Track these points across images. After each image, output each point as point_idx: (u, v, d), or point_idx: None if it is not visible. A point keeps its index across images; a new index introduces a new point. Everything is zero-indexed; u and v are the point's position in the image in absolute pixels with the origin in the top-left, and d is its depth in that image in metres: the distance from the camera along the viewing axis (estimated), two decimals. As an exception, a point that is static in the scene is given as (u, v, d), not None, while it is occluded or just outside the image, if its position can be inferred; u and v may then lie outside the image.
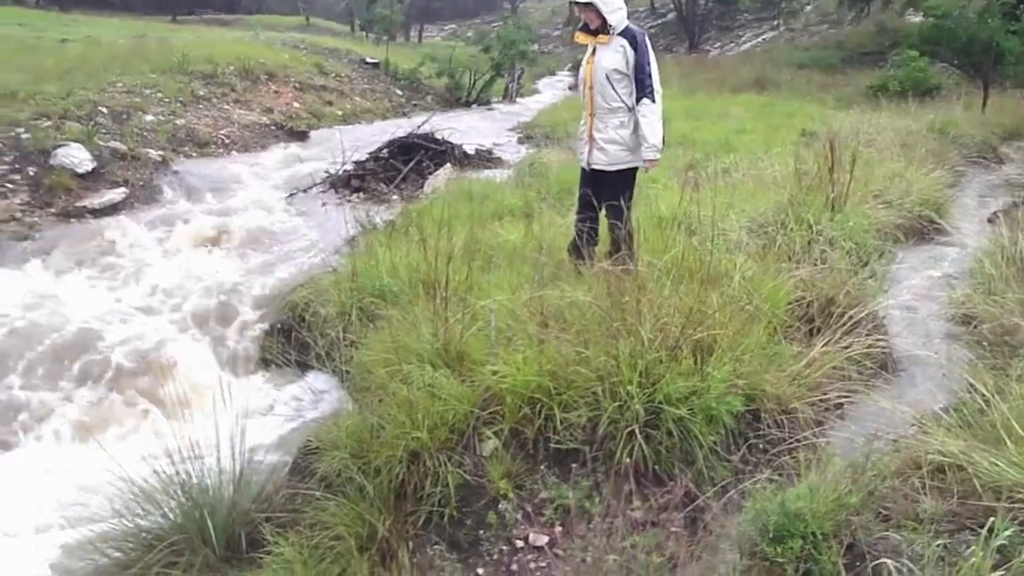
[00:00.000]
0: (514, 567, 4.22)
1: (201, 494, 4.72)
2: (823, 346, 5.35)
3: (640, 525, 4.17)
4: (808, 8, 45.74)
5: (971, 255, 7.70)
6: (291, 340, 7.05)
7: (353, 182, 12.68)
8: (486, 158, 14.30)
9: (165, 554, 4.53)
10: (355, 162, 13.21)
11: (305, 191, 12.47)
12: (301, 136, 17.31)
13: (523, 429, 4.59)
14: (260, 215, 11.10)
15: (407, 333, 5.27)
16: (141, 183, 12.22)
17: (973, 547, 3.27)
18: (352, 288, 6.80)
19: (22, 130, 12.51)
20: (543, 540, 4.26)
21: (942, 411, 4.63)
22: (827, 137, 8.96)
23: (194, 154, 14.36)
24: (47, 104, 13.83)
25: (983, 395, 4.33)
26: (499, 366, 4.72)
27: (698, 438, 4.42)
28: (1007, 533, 3.26)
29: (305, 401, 6.06)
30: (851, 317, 5.61)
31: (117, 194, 11.57)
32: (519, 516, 4.36)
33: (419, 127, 14.85)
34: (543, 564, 4.17)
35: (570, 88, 32.95)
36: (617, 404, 4.44)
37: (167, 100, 16.27)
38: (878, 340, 5.67)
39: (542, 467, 4.51)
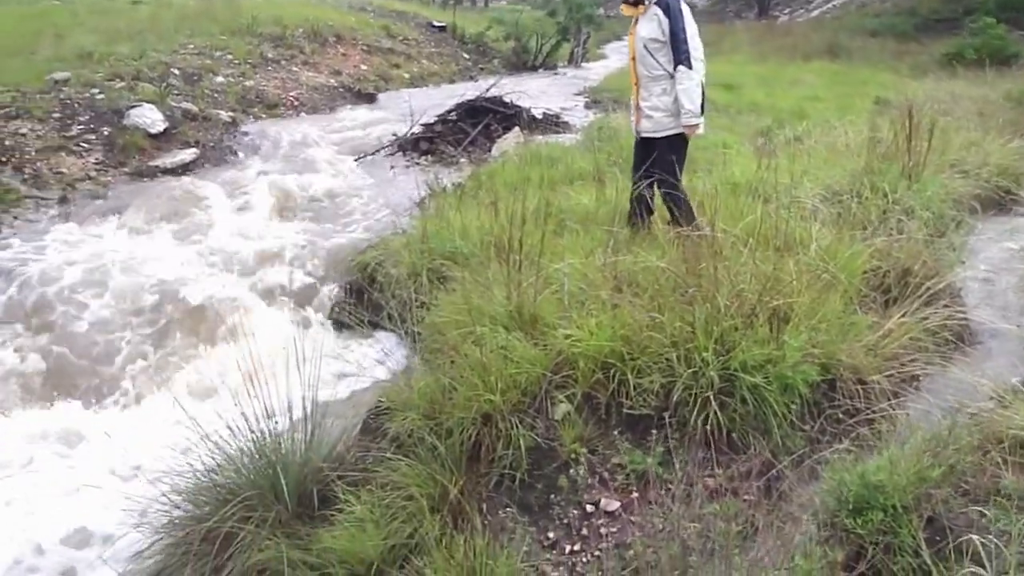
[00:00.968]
0: (585, 531, 4.22)
1: (274, 451, 4.79)
2: (899, 317, 5.23)
3: (714, 493, 4.14)
4: (881, -28, 44.47)
5: (1050, 227, 7.47)
6: (362, 301, 7.10)
7: (421, 145, 12.69)
8: (554, 122, 14.19)
9: (239, 509, 4.58)
10: (423, 125, 13.21)
11: (373, 153, 12.51)
12: (369, 98, 17.36)
13: (596, 394, 4.57)
14: (329, 177, 11.17)
15: (479, 295, 5.27)
16: (211, 144, 12.38)
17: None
18: (423, 250, 6.82)
19: (97, 91, 12.73)
20: (615, 505, 4.25)
21: (1021, 384, 4.51)
22: (903, 105, 8.73)
23: (263, 115, 14.50)
24: (120, 65, 14.06)
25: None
26: (572, 330, 4.70)
27: (773, 407, 4.35)
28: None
29: (375, 361, 6.10)
30: (928, 288, 5.48)
31: (188, 154, 11.74)
32: (591, 481, 4.34)
33: (487, 90, 14.78)
34: (614, 529, 4.16)
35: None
36: (692, 370, 4.40)
37: (237, 62, 16.42)
38: (955, 312, 5.53)
39: (614, 432, 4.49)
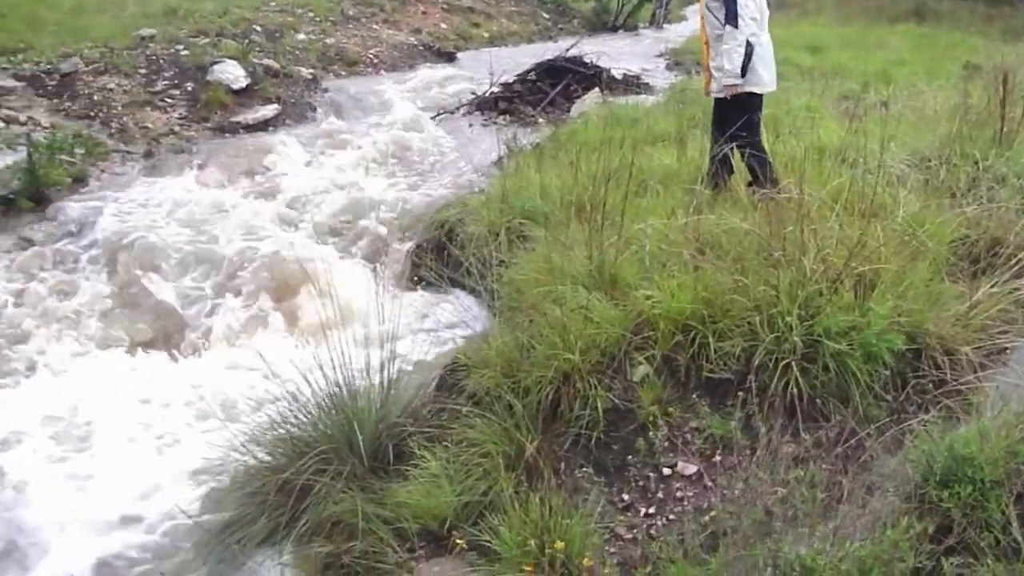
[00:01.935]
0: (660, 495, 4.19)
1: (351, 406, 4.84)
2: (989, 288, 5.05)
3: (795, 460, 4.06)
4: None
5: None
6: (440, 258, 7.11)
7: (500, 104, 12.65)
8: (634, 83, 14.03)
9: (314, 461, 4.65)
10: (502, 84, 13.16)
11: (452, 112, 12.51)
12: (448, 57, 17.32)
13: (675, 356, 4.52)
14: (408, 134, 11.20)
15: (560, 254, 5.23)
16: (292, 100, 12.49)
17: None
18: (502, 208, 6.80)
19: (181, 47, 12.93)
20: (692, 469, 4.20)
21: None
22: (995, 70, 8.40)
23: (343, 73, 14.57)
24: (204, 22, 14.24)
25: None
26: (653, 291, 4.64)
27: (856, 375, 4.25)
28: None
29: (453, 318, 6.12)
30: (1019, 259, 5.28)
31: (269, 110, 11.87)
32: (668, 444, 4.30)
33: (567, 51, 14.65)
34: (691, 494, 4.12)
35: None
36: (774, 335, 4.31)
37: (318, 19, 16.51)
38: (1048, 284, 5.32)
39: (693, 396, 4.43)
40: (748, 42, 6.27)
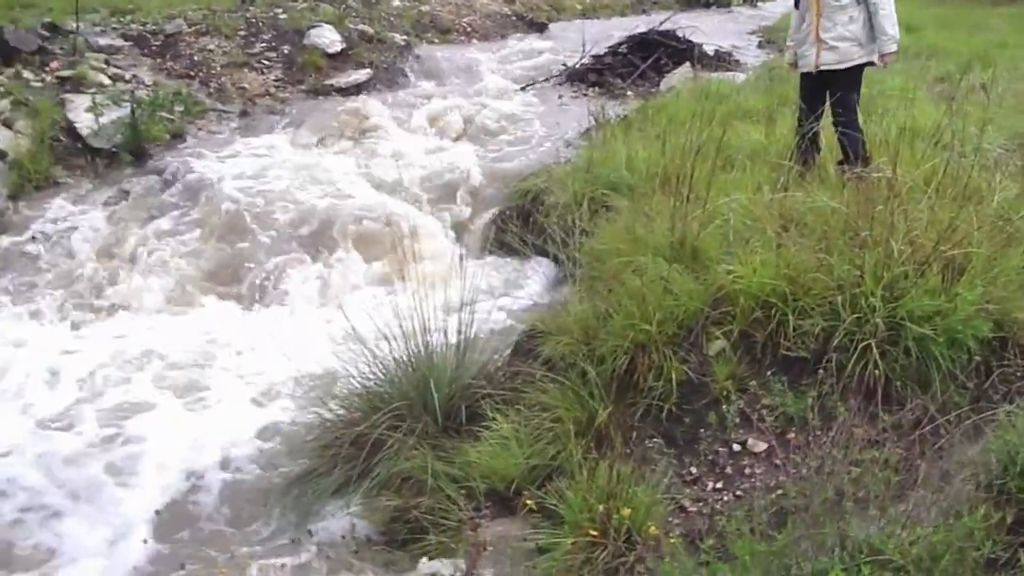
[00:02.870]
0: (729, 470, 4.18)
1: (427, 365, 4.91)
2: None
3: (868, 442, 4.00)
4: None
5: None
6: (523, 225, 7.15)
7: (589, 76, 12.60)
8: (725, 60, 13.81)
9: (388, 417, 4.75)
10: (592, 56, 13.09)
11: (542, 82, 12.50)
12: (540, 28, 17.27)
13: (753, 332, 4.47)
14: (497, 103, 11.23)
15: (642, 226, 5.21)
16: (385, 66, 12.61)
17: None
18: (586, 178, 6.80)
19: (280, 11, 13.14)
20: (763, 446, 4.17)
21: None
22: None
23: (436, 40, 14.64)
24: (302, -15, 14.40)
25: None
26: (734, 266, 4.60)
27: (938, 360, 4.15)
28: None
29: (533, 284, 6.16)
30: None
31: (362, 75, 12.01)
32: (739, 420, 4.27)
33: (659, 25, 14.49)
34: (759, 471, 4.09)
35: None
36: (855, 316, 4.23)
37: (413, -14, 16.60)
38: None
39: (768, 373, 4.38)
40: (868, 9, 6.14)
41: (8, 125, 8.90)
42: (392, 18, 14.58)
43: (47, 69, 9.92)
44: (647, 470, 4.07)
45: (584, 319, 4.70)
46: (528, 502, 3.93)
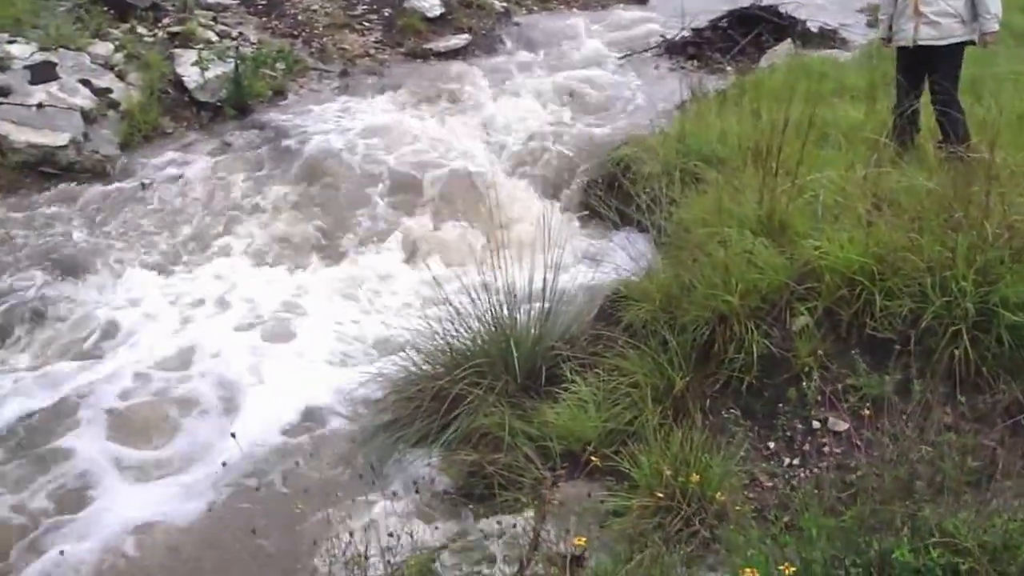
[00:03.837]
0: (807, 447, 4.16)
1: (510, 325, 5.01)
2: None
3: (947, 427, 3.94)
4: None
5: None
6: (612, 192, 7.14)
7: (688, 49, 12.42)
8: (830, 37, 13.45)
9: (470, 374, 4.86)
10: (692, 30, 12.90)
11: (640, 53, 12.38)
12: (640, -1, 17.04)
13: (838, 310, 4.44)
14: (593, 72, 11.17)
15: (731, 198, 5.19)
16: (483, 31, 12.61)
17: None
18: (678, 150, 6.77)
19: (381, -27, 13.23)
20: (843, 426, 4.14)
21: None
22: None
23: (535, 8, 14.57)
24: (406, -51, 14.47)
25: None
26: (822, 242, 4.55)
27: (1032, 350, 4.07)
28: None
29: (618, 252, 6.15)
30: None
31: (461, 40, 12.05)
32: (820, 398, 4.24)
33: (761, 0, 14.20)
34: (838, 450, 4.06)
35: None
36: (946, 299, 4.16)
37: (516, -48, 16.52)
38: None
39: (852, 352, 4.33)
40: None
41: (121, 77, 9.30)
42: (492, -16, 14.58)
43: (159, 25, 10.26)
44: (722, 441, 4.07)
45: (667, 287, 4.72)
46: (601, 464, 3.97)
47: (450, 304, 5.19)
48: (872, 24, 15.71)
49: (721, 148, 6.57)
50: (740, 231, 4.78)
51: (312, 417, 5.48)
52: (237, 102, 9.48)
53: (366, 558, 3.38)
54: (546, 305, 5.12)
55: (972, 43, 6.12)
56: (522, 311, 5.06)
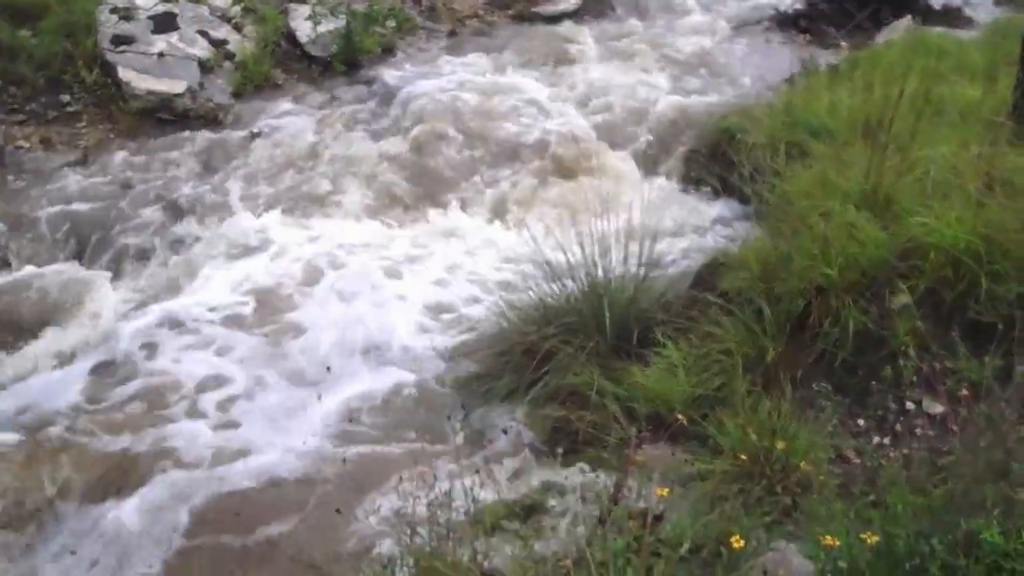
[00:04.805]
0: (898, 427, 4.10)
1: (604, 286, 5.04)
2: None
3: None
4: None
5: None
6: (714, 161, 7.09)
7: (801, 22, 12.16)
8: (953, 15, 13.00)
9: (561, 332, 4.92)
10: (807, 2, 12.63)
11: (751, 24, 12.18)
12: (756, -30, 16.71)
13: (940, 290, 4.34)
14: (703, 41, 11.03)
15: (836, 171, 5.10)
16: (594, -4, 12.55)
17: None
18: (785, 121, 6.66)
19: (493, -66, 13.24)
20: (938, 408, 4.08)
21: None
22: None
23: (650, -25, 14.42)
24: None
25: None
26: (928, 219, 4.45)
27: None
28: None
29: (718, 220, 6.14)
30: None
31: (570, 4, 11.99)
32: (915, 378, 4.18)
33: (882, -27, 13.78)
34: (932, 433, 4.01)
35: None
36: (1057, 284, 4.05)
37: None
38: None
39: (952, 334, 4.22)
40: None
41: (238, 29, 9.62)
42: (605, -51, 14.46)
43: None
44: (812, 414, 4.04)
45: (766, 257, 4.68)
46: (687, 423, 3.99)
47: (546, 263, 5.24)
48: (999, 2, 15.16)
49: (830, 121, 6.44)
50: (843, 204, 4.70)
51: (406, 362, 5.63)
52: (347, 57, 9.68)
53: (451, 499, 3.46)
54: (641, 269, 5.12)
55: None
56: (617, 273, 5.07)
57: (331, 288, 6.39)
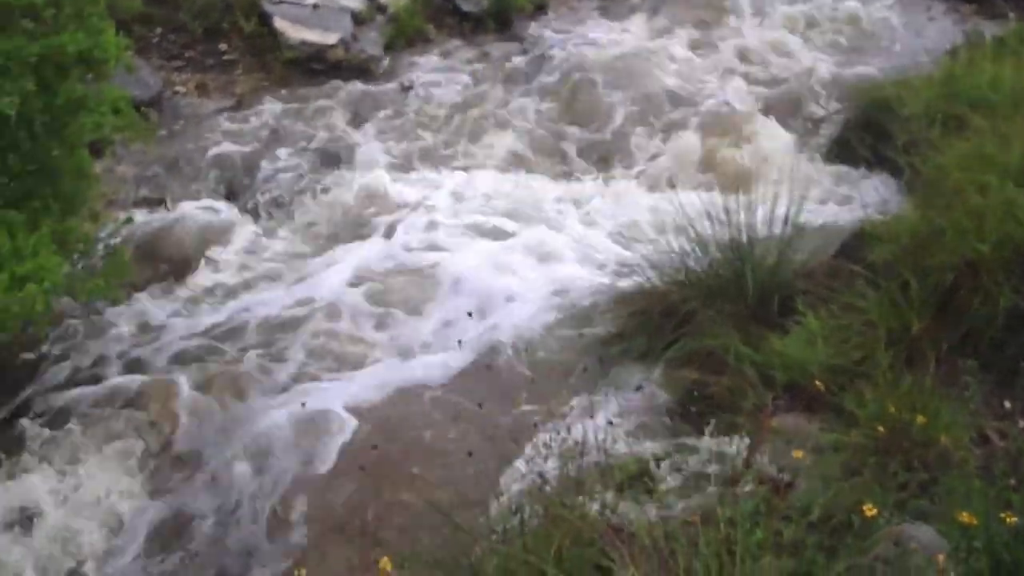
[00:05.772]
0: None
1: (748, 252, 5.02)
2: None
3: None
4: None
5: None
6: (867, 132, 6.93)
7: (969, -9, 11.63)
8: None
9: (702, 294, 4.94)
10: (975, -30, 12.05)
11: (914, -6, 11.71)
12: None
13: (1100, 271, 4.18)
14: (861, 9, 10.69)
15: (996, 146, 4.93)
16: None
17: None
18: (943, 93, 6.44)
19: None
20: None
21: None
22: None
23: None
24: None
25: None
26: (1093, 197, 4.28)
27: None
28: None
29: (868, 193, 6.01)
30: None
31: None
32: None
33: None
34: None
35: None
36: None
37: None
38: None
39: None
40: None
41: (392, -18, 9.76)
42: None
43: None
44: (955, 392, 3.97)
45: (916, 229, 4.57)
46: (824, 391, 3.97)
47: (691, 226, 5.25)
48: None
49: (991, 94, 6.19)
50: (1001, 180, 4.55)
51: (544, 315, 5.76)
52: (499, 14, 9.80)
53: (582, 451, 3.54)
54: (786, 236, 5.08)
55: None
56: (761, 240, 5.05)
57: (470, 238, 6.63)
